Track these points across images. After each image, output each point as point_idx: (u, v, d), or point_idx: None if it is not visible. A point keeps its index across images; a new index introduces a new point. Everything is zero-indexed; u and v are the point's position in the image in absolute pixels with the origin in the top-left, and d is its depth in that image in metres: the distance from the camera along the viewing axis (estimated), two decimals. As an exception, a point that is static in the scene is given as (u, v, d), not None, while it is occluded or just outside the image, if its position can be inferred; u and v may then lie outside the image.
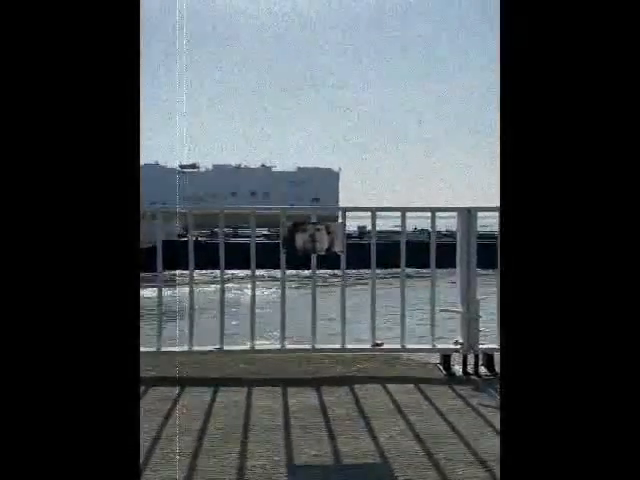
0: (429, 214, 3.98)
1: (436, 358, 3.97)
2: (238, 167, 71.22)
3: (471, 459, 2.47)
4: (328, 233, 3.82)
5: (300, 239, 3.79)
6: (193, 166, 68.76)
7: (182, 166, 66.82)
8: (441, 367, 3.85)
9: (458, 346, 3.86)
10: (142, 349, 3.87)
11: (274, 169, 74.19)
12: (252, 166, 72.75)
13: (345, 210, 4.08)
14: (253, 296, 3.97)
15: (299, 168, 74.14)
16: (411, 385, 3.49)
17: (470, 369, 3.79)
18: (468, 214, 3.91)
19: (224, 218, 4.01)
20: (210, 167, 70.74)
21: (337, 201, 65.69)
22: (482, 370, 3.79)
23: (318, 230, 3.82)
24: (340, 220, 4.02)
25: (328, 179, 72.93)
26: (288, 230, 3.79)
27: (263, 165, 74.06)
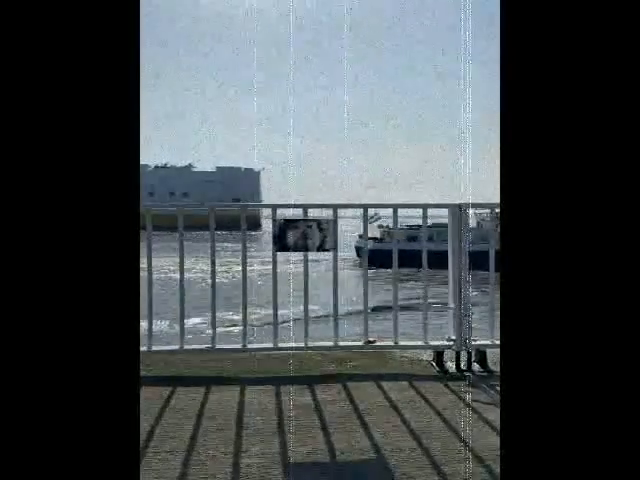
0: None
1: (429, 355, 3.97)
2: (164, 166, 70.32)
3: (467, 455, 2.46)
4: (320, 230, 3.80)
5: (292, 236, 3.77)
6: None
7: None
8: (434, 364, 3.85)
9: (451, 342, 3.85)
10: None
11: (194, 169, 73.58)
12: (179, 165, 72.24)
13: (336, 207, 4.04)
14: (244, 291, 3.94)
15: (218, 168, 73.38)
16: (405, 382, 3.48)
17: (463, 365, 3.78)
18: (459, 211, 3.91)
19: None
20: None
21: (260, 201, 64.58)
22: (475, 366, 3.78)
23: (309, 227, 3.80)
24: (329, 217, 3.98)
25: (249, 179, 72.08)
26: (279, 227, 3.77)
27: (190, 165, 73.69)
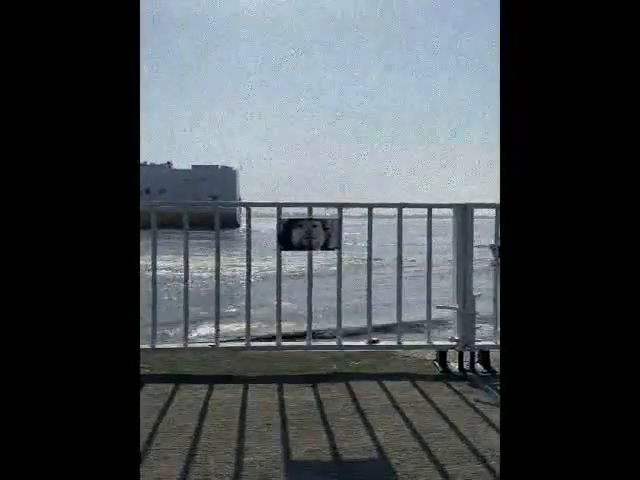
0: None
1: (432, 355, 3.97)
2: (144, 164, 70.77)
3: (469, 455, 2.46)
4: (325, 229, 3.81)
5: (297, 235, 3.77)
6: None
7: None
8: (437, 364, 3.85)
9: (454, 343, 3.85)
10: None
11: (171, 167, 74.13)
12: (158, 163, 72.96)
13: (341, 206, 4.04)
14: (248, 297, 3.95)
15: (194, 166, 73.76)
16: (407, 381, 3.48)
17: (466, 365, 3.78)
18: (464, 210, 3.90)
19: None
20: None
21: (238, 199, 64.13)
22: (478, 367, 3.78)
23: (315, 226, 3.80)
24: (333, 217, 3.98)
25: (226, 177, 72.04)
26: (284, 226, 3.77)
27: (169, 163, 74.23)
